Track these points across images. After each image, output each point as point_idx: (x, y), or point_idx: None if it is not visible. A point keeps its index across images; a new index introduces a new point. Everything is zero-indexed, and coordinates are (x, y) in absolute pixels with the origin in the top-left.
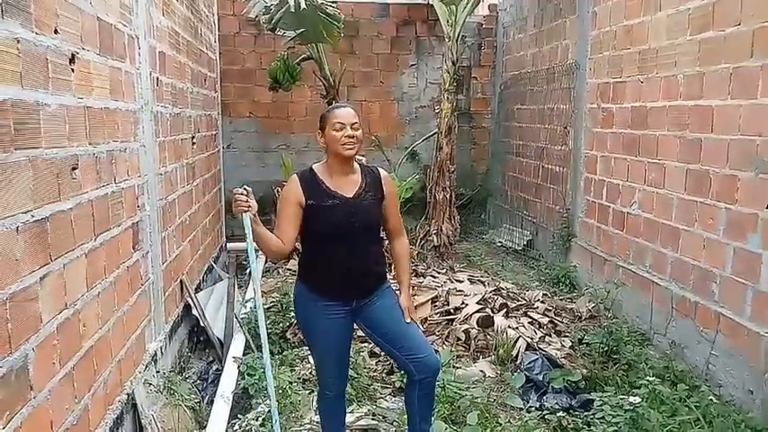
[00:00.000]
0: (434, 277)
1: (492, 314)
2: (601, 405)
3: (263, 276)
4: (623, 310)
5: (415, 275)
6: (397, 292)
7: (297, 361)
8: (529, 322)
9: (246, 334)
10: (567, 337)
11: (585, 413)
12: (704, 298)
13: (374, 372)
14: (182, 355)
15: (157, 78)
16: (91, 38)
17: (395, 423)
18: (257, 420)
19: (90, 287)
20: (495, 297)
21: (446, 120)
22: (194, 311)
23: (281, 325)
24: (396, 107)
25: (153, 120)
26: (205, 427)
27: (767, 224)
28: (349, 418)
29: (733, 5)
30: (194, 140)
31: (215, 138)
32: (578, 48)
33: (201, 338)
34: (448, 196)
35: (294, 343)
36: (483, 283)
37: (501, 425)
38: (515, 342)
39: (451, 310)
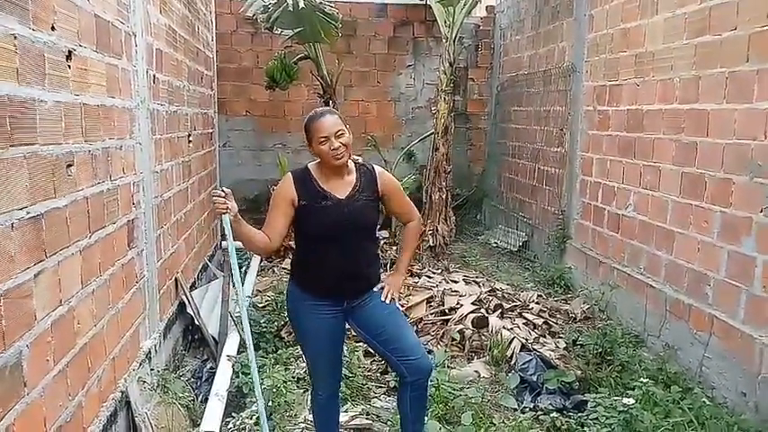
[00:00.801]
0: (430, 277)
1: (487, 315)
2: (594, 406)
3: (258, 275)
4: (617, 311)
5: (411, 275)
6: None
7: (291, 360)
8: (524, 323)
9: (241, 332)
10: (562, 338)
11: (579, 414)
12: (698, 300)
13: (368, 371)
14: (176, 353)
15: (154, 76)
16: (88, 35)
17: (389, 422)
18: (251, 419)
19: (85, 284)
20: (490, 298)
21: (443, 120)
22: (189, 309)
23: (275, 324)
24: (392, 107)
25: (149, 117)
26: (199, 426)
27: (761, 228)
28: (343, 418)
29: (729, 10)
30: (190, 138)
31: (211, 136)
32: (575, 50)
33: (196, 336)
34: (444, 197)
35: (289, 342)
36: (478, 283)
37: (495, 425)
38: (510, 343)
39: (446, 311)
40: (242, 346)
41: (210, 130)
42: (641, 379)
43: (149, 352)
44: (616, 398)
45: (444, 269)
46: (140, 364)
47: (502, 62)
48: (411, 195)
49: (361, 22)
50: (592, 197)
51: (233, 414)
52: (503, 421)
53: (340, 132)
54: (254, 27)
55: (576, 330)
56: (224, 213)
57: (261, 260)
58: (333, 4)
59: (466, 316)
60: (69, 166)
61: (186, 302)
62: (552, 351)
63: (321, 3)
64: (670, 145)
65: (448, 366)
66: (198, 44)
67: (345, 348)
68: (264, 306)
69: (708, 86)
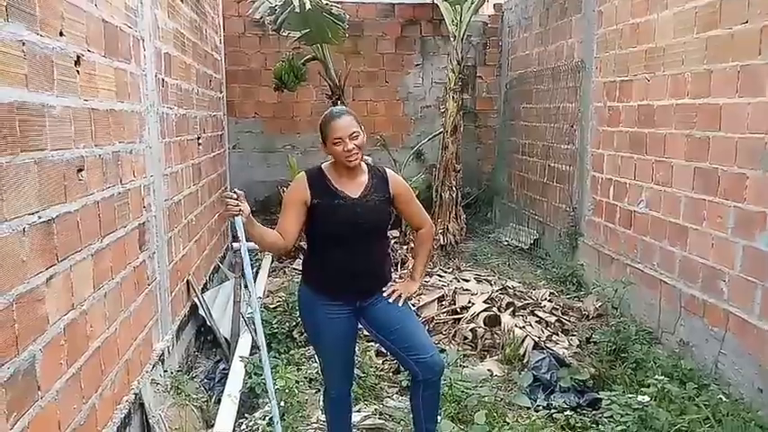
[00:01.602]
0: (441, 276)
1: (499, 313)
2: (609, 404)
3: (269, 276)
4: (631, 308)
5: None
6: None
7: (303, 360)
8: (536, 321)
9: (253, 333)
10: (575, 335)
11: (593, 412)
12: (713, 296)
13: (381, 371)
14: (189, 354)
15: (163, 80)
16: (96, 40)
17: (402, 422)
18: (264, 420)
19: (97, 288)
20: (502, 296)
21: (451, 119)
22: (201, 311)
23: (287, 324)
24: (401, 107)
25: (159, 121)
26: (212, 426)
27: None
28: (355, 418)
29: (740, 3)
30: (200, 141)
31: (221, 138)
32: (584, 46)
33: (208, 338)
34: (454, 195)
35: (301, 342)
36: (489, 282)
37: (508, 424)
38: (522, 341)
39: (458, 309)
40: (254, 347)
41: (220, 133)
42: (656, 376)
43: (162, 354)
44: (631, 395)
45: (455, 268)
46: (153, 366)
47: (510, 60)
48: (421, 195)
49: (368, 22)
50: (603, 194)
51: (246, 415)
52: (516, 420)
53: (355, 134)
54: (261, 29)
55: (589, 328)
56: (236, 215)
57: (272, 261)
58: (339, 5)
59: (478, 314)
60: (80, 170)
61: (198, 304)
62: (565, 349)
63: (328, 4)
64: (682, 140)
65: (460, 365)
66: (206, 47)
67: (357, 348)
68: (276, 307)
69: (719, 80)
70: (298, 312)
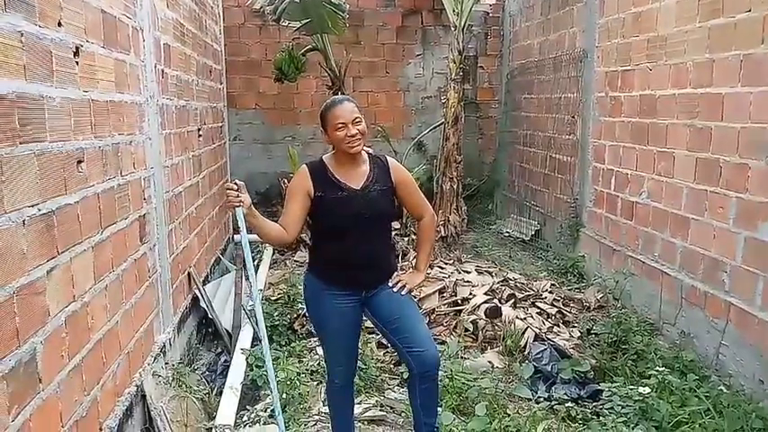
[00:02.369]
0: (442, 268)
1: (500, 305)
2: (610, 395)
3: (270, 268)
4: (632, 299)
5: None
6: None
7: (305, 352)
8: (537, 313)
9: (254, 326)
10: (576, 327)
11: (594, 403)
12: (714, 287)
13: (382, 363)
14: (190, 346)
15: (162, 71)
16: (95, 30)
17: (403, 414)
18: (266, 411)
19: (97, 280)
20: (503, 287)
21: (453, 110)
22: (202, 303)
23: (288, 316)
24: (402, 97)
25: (158, 112)
26: (214, 418)
27: None
28: (357, 410)
29: None
30: (200, 133)
31: (221, 130)
32: (586, 36)
33: (210, 330)
34: (455, 187)
35: (302, 334)
36: (490, 273)
37: (509, 415)
38: (523, 332)
39: (459, 301)
40: (255, 339)
41: (220, 124)
42: (657, 367)
43: (164, 346)
44: (632, 387)
45: (456, 259)
46: (155, 359)
47: (512, 50)
48: (422, 186)
49: (368, 11)
50: (605, 184)
51: (247, 407)
52: (517, 411)
53: (357, 120)
54: (261, 20)
55: (590, 319)
56: (237, 206)
57: (273, 253)
58: None
59: (479, 306)
60: (79, 162)
61: (199, 296)
62: (566, 340)
63: None
64: (684, 130)
65: (461, 357)
66: (206, 38)
67: (359, 340)
68: (277, 299)
69: (722, 70)
70: (299, 304)
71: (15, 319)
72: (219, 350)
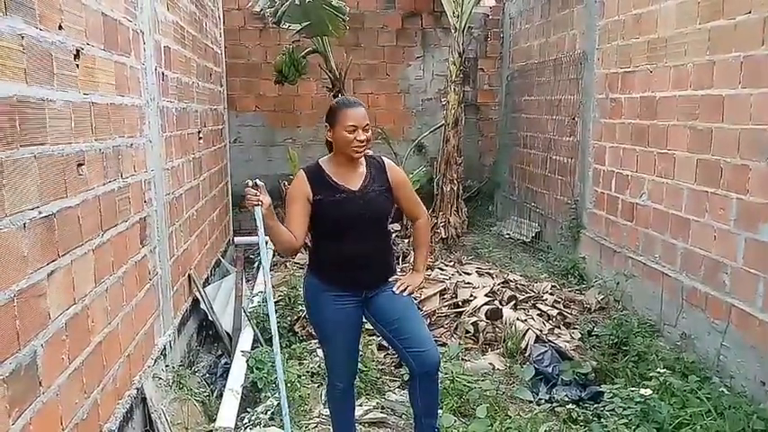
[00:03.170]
0: (442, 270)
1: (500, 306)
2: (611, 397)
3: (270, 270)
4: (633, 301)
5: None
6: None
7: (305, 354)
8: (538, 314)
9: (254, 328)
10: (577, 329)
11: (595, 405)
12: (715, 289)
13: (382, 365)
14: (191, 349)
15: (163, 73)
16: (96, 33)
17: (403, 416)
18: (266, 414)
19: (98, 283)
20: (504, 289)
21: (453, 112)
22: (202, 306)
23: (288, 318)
24: (402, 99)
25: (159, 115)
26: (215, 421)
27: None
28: (358, 412)
29: None
30: (201, 135)
31: (221, 132)
32: (586, 38)
33: (210, 332)
34: (455, 188)
35: (302, 336)
36: (491, 275)
37: (510, 417)
38: (524, 334)
39: (460, 303)
40: (255, 342)
41: (221, 127)
42: (658, 369)
43: (164, 348)
44: (633, 388)
45: (457, 261)
46: (155, 361)
47: (512, 52)
48: (422, 188)
49: (368, 14)
50: (605, 186)
51: (248, 409)
52: (518, 414)
53: (367, 126)
54: (261, 22)
55: (590, 321)
56: (256, 205)
57: (273, 255)
58: None
59: (479, 308)
60: (80, 165)
61: (200, 298)
62: (567, 342)
63: None
64: (684, 132)
65: (462, 359)
66: (206, 41)
67: (360, 342)
68: (277, 301)
69: (722, 71)
70: (299, 306)
71: (16, 321)
72: (220, 352)
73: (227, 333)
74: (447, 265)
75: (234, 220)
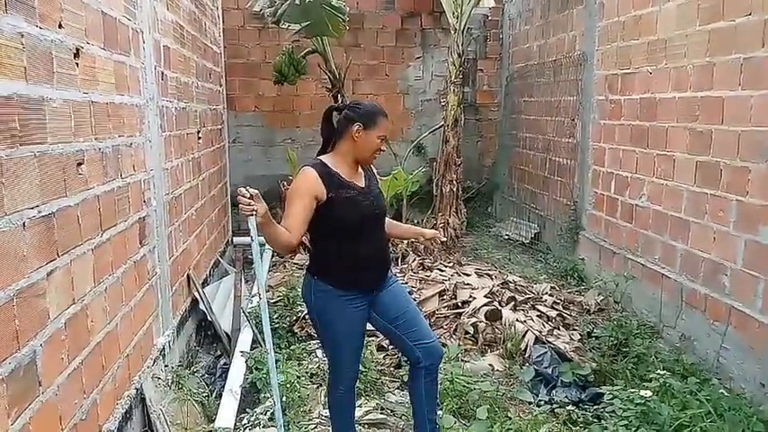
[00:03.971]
0: (441, 271)
1: (500, 307)
2: (611, 399)
3: (269, 270)
4: (632, 302)
5: (422, 269)
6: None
7: (304, 355)
8: (537, 315)
9: (254, 328)
10: (576, 330)
11: (595, 407)
12: (715, 290)
13: (382, 365)
14: (190, 349)
15: (162, 73)
16: (95, 32)
17: (403, 417)
18: (265, 414)
19: (97, 282)
20: (503, 290)
21: (452, 112)
22: (201, 306)
23: (288, 319)
24: (401, 100)
25: (158, 114)
26: (214, 421)
27: None
28: (357, 413)
29: None
30: (200, 135)
31: (220, 132)
32: (586, 39)
33: (209, 333)
34: (454, 189)
35: (301, 337)
36: (490, 276)
37: (510, 419)
38: (524, 335)
39: (459, 304)
40: (255, 342)
41: (220, 127)
42: (658, 370)
43: (163, 349)
44: (632, 390)
45: (456, 262)
46: (154, 361)
47: (511, 53)
48: (421, 189)
49: (368, 14)
50: (604, 187)
51: (247, 410)
52: (518, 415)
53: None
54: (261, 22)
55: (590, 322)
56: (249, 215)
57: (272, 256)
58: None
59: (479, 309)
60: (79, 164)
61: (199, 299)
62: (567, 343)
63: None
64: (684, 133)
65: (461, 360)
66: (205, 40)
67: None
68: (276, 302)
69: (722, 73)
70: (299, 307)
71: (15, 321)
72: (219, 353)
73: (226, 333)
74: (446, 266)
75: (233, 221)
